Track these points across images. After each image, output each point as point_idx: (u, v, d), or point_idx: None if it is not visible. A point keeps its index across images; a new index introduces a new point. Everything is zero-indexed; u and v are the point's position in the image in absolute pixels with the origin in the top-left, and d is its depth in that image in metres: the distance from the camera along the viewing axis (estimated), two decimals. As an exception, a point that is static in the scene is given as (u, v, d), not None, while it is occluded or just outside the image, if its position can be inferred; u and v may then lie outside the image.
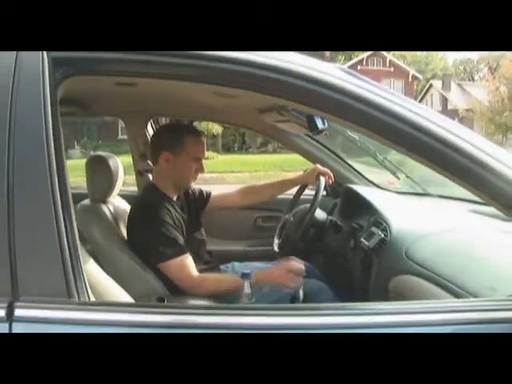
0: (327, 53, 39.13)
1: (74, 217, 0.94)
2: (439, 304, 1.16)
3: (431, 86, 42.56)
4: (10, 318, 0.83)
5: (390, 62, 37.14)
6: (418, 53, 57.19)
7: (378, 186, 2.85)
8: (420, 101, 42.81)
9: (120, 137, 23.57)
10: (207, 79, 1.16)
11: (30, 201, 0.90)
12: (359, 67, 36.46)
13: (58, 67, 1.05)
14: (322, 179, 2.27)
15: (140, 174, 2.72)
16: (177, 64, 1.13)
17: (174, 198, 2.06)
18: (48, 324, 0.85)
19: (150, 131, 2.71)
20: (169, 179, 2.02)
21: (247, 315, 1.02)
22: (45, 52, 1.05)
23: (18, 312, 0.83)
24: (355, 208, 2.34)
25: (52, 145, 0.94)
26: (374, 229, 1.96)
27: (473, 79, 50.97)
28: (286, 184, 2.48)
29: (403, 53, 52.81)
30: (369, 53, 37.66)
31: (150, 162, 2.51)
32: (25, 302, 0.84)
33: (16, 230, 0.87)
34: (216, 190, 2.42)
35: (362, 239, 1.96)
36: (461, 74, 54.85)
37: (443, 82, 40.52)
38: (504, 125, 26.46)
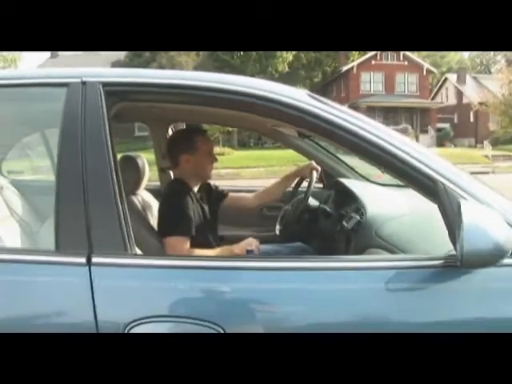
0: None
1: (124, 197, 1.41)
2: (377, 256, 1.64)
3: (446, 79, 42.35)
4: (88, 263, 1.30)
5: (403, 55, 36.82)
6: (433, 46, 56.75)
7: (366, 179, 3.30)
8: (435, 94, 42.66)
9: (137, 134, 24.11)
10: (223, 105, 1.61)
11: (98, 186, 1.37)
12: (373, 62, 36.32)
13: (110, 97, 1.50)
14: (314, 173, 2.71)
15: (162, 170, 3.18)
16: (203, 96, 1.53)
17: (195, 190, 2.49)
18: (113, 267, 1.32)
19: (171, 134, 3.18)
20: (191, 175, 2.43)
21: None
22: (101, 86, 1.48)
23: (93, 260, 1.30)
24: (343, 198, 2.79)
25: (110, 149, 1.41)
26: (353, 214, 2.41)
27: (489, 72, 50.47)
28: (289, 178, 2.92)
29: (418, 46, 52.47)
30: None
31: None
32: (97, 253, 1.31)
33: (89, 206, 1.34)
34: (232, 186, 2.84)
35: (344, 222, 2.41)
36: (477, 66, 54.38)
37: (458, 76, 40.38)
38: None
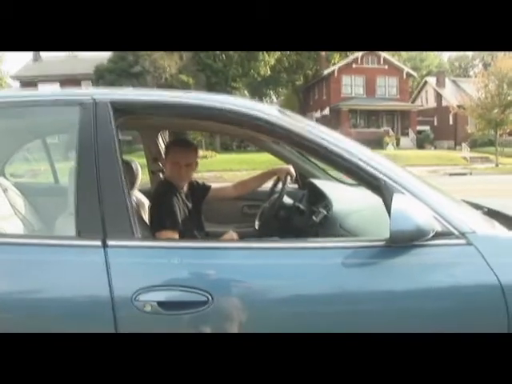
0: (323, 52, 39.69)
1: (129, 193, 1.77)
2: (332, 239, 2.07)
3: (426, 82, 43.10)
4: (104, 245, 1.64)
5: (384, 59, 37.40)
6: (414, 50, 57.43)
7: (336, 180, 3.68)
8: (415, 97, 43.34)
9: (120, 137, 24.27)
10: (204, 118, 1.98)
11: (109, 185, 1.72)
12: (354, 65, 36.80)
13: (116, 112, 1.84)
14: (288, 177, 3.10)
15: (153, 173, 3.54)
16: (189, 111, 1.91)
17: (184, 190, 2.83)
18: (123, 248, 1.68)
19: (160, 141, 3.54)
20: (173, 178, 2.78)
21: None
22: (109, 103, 1.80)
23: (108, 243, 1.65)
24: (314, 196, 3.17)
25: (118, 155, 1.76)
26: (321, 209, 2.78)
27: (468, 75, 51.35)
28: (265, 175, 3.29)
29: (398, 50, 53.15)
30: (363, 51, 38.05)
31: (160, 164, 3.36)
32: (110, 237, 1.66)
33: (103, 201, 1.69)
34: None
35: (313, 217, 2.78)
36: (456, 70, 55.27)
37: (438, 79, 41.08)
38: (494, 121, 27.11)
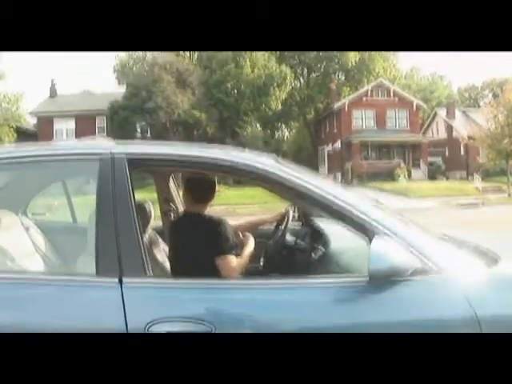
0: (333, 85, 40.22)
1: (143, 236, 2.01)
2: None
3: (436, 114, 43.36)
4: (120, 283, 1.87)
5: (394, 92, 37.75)
6: (423, 81, 57.86)
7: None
8: (426, 129, 43.44)
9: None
10: (208, 169, 2.25)
11: (125, 229, 1.96)
12: (364, 99, 37.19)
13: (132, 164, 2.09)
14: (288, 218, 3.35)
15: (164, 213, 3.79)
16: (196, 165, 2.21)
17: None
18: (138, 285, 1.91)
19: (172, 183, 3.81)
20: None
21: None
22: (125, 157, 2.05)
23: (124, 280, 1.88)
24: (315, 234, 3.39)
25: (132, 202, 2.00)
26: (320, 247, 3.00)
27: (478, 105, 51.48)
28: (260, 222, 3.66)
29: (408, 82, 53.32)
30: (373, 84, 38.32)
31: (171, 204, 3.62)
32: (126, 274, 1.89)
33: (120, 243, 1.93)
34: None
35: (312, 254, 3.00)
36: (466, 101, 55.53)
37: (448, 110, 41.25)
38: (504, 151, 27.21)
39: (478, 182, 31.23)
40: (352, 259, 2.71)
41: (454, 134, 38.64)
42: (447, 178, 35.48)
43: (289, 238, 3.36)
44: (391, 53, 46.00)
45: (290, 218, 3.34)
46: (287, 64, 39.37)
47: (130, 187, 2.03)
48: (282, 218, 3.52)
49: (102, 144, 2.28)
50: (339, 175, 35.36)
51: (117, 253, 1.92)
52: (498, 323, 1.84)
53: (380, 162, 35.27)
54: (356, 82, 43.96)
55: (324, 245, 3.03)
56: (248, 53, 34.64)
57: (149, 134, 33.81)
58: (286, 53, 37.80)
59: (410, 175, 33.55)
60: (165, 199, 3.78)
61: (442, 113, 42.48)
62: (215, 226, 2.90)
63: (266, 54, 36.39)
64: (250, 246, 3.02)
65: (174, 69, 33.43)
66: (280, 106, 37.98)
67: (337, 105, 37.49)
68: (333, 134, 38.46)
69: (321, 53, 41.17)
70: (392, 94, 37.77)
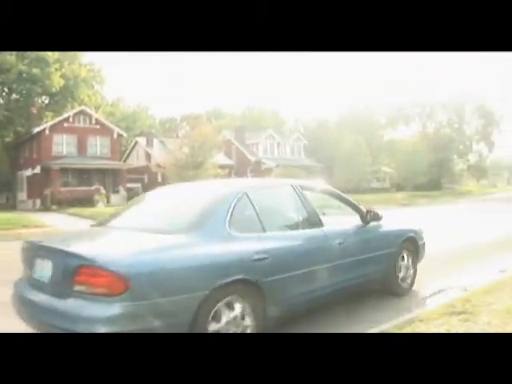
0: (34, 109, 39.29)
1: None
2: None
3: (136, 142, 45.73)
4: None
5: (96, 120, 38.26)
6: (127, 110, 59.89)
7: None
8: (128, 156, 45.56)
9: None
10: None
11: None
12: (66, 124, 36.95)
13: None
14: None
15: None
16: None
17: None
18: None
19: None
20: None
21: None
22: None
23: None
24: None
25: None
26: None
27: (177, 136, 55.41)
28: None
29: (113, 110, 55.00)
30: (75, 110, 38.32)
31: None
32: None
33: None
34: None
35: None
36: (166, 131, 59.48)
37: (147, 139, 44.04)
38: (189, 179, 30.22)
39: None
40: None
41: (153, 161, 41.34)
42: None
43: None
44: (97, 81, 47.24)
45: None
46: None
47: None
48: None
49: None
50: (38, 201, 34.73)
51: None
52: None
53: (80, 188, 35.57)
54: (60, 107, 43.80)
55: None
56: None
57: None
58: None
59: (108, 201, 34.66)
60: None
61: (142, 142, 45.00)
62: None
63: None
64: None
65: None
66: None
67: (37, 129, 36.61)
68: (33, 159, 37.41)
69: (24, 74, 39.94)
70: (94, 122, 38.33)
